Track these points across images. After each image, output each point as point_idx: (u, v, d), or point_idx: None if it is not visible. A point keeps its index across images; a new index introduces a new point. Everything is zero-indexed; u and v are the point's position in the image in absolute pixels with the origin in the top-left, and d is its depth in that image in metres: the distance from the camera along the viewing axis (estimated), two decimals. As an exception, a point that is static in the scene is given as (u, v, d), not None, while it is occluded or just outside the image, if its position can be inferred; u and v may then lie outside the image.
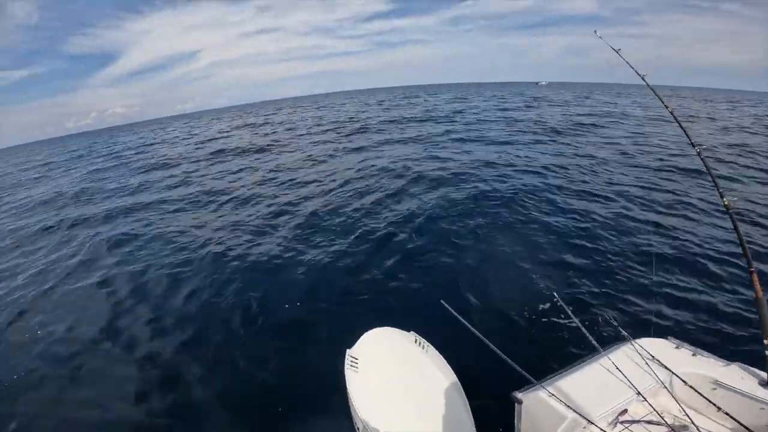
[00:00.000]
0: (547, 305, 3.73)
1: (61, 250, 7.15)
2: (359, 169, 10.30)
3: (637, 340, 2.09)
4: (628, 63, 2.73)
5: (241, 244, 6.13)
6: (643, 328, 2.52)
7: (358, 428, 2.02)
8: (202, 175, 12.02)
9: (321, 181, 9.51)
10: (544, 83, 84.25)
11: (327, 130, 19.16)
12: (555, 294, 2.79)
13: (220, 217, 7.85)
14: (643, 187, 7.79)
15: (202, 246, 6.23)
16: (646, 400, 1.77)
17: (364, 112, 28.91)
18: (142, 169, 15.03)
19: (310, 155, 13.03)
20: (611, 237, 5.50)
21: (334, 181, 9.36)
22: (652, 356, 1.97)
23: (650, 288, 4.05)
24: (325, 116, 28.42)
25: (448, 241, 5.58)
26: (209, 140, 21.33)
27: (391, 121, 20.38)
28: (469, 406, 1.93)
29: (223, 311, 4.36)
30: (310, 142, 15.93)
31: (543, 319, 3.60)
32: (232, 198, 9.02)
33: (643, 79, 2.70)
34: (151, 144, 25.14)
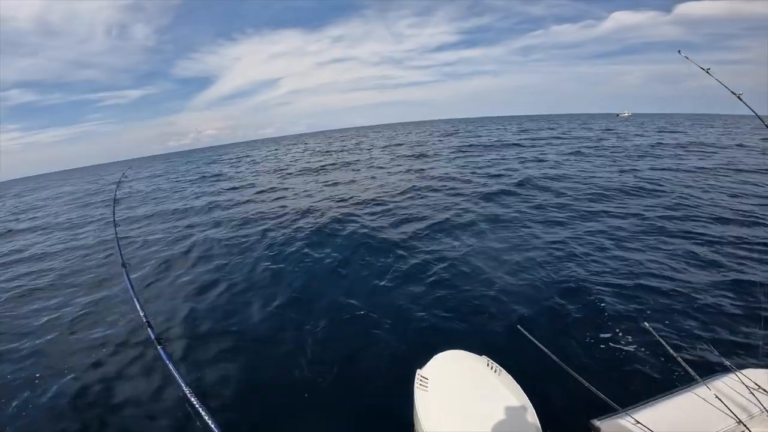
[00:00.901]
0: (636, 332, 3.45)
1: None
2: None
3: (743, 371, 1.87)
4: (719, 81, 2.61)
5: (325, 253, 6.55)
6: (749, 358, 2.22)
7: None
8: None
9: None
10: (626, 114, 77.62)
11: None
12: (646, 323, 2.60)
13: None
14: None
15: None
16: (748, 429, 1.58)
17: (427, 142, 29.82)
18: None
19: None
20: (710, 260, 4.99)
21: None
22: (758, 386, 1.76)
23: (757, 315, 3.54)
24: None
25: (523, 266, 5.46)
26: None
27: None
28: None
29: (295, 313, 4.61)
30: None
31: (629, 347, 3.31)
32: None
33: (739, 98, 2.54)
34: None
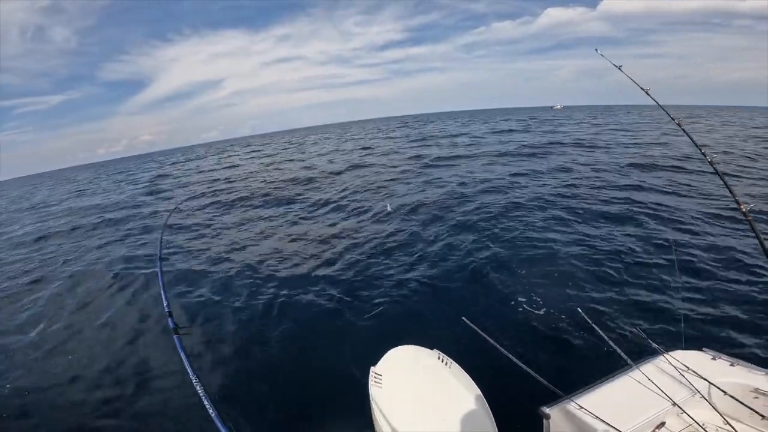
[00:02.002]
0: (570, 319, 3.67)
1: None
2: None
3: (671, 353, 2.03)
4: (630, 78, 2.83)
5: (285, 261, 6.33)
6: (674, 340, 2.44)
7: None
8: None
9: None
10: (558, 107, 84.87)
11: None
12: (579, 309, 2.75)
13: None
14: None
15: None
16: (684, 412, 1.70)
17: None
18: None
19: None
20: (631, 247, 5.49)
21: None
22: (688, 368, 1.91)
23: (677, 298, 3.96)
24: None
25: (464, 256, 5.67)
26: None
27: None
28: (494, 422, 1.90)
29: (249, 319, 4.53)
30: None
31: (566, 334, 3.52)
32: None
33: (647, 93, 2.77)
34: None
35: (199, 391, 1.37)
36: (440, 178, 11.75)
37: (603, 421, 1.64)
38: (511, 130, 27.08)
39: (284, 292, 5.09)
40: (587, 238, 5.95)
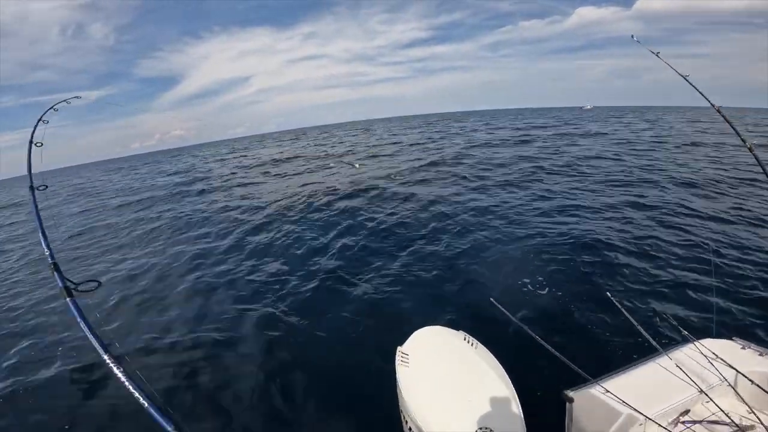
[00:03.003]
0: (601, 303, 3.62)
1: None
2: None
3: (701, 341, 2.00)
4: (668, 64, 2.74)
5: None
6: (705, 328, 2.41)
7: (406, 421, 2.02)
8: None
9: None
10: (588, 107, 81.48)
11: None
12: (608, 293, 2.73)
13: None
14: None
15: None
16: (711, 400, 1.70)
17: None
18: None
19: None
20: (665, 235, 5.37)
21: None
22: (716, 356, 1.88)
23: (711, 287, 3.85)
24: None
25: (492, 240, 5.70)
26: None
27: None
28: (519, 403, 1.91)
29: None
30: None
31: (596, 318, 3.49)
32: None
33: (685, 79, 2.68)
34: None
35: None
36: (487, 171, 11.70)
37: (627, 404, 1.64)
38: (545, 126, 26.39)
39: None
40: (620, 224, 5.88)
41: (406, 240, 6.13)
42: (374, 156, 16.69)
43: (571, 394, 1.84)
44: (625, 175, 9.64)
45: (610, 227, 5.87)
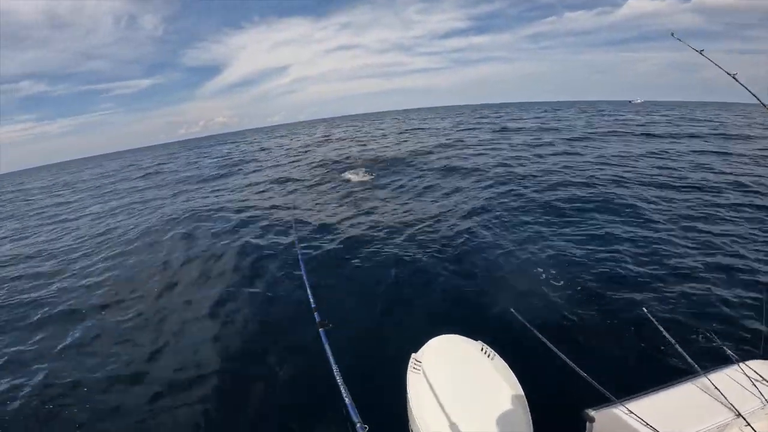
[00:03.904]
0: (635, 320, 3.40)
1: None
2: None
3: (747, 362, 1.81)
4: (713, 62, 2.52)
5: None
6: (753, 351, 2.16)
7: (410, 427, 2.00)
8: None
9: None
10: (638, 101, 77.21)
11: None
12: (644, 309, 2.55)
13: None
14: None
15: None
16: (749, 424, 1.52)
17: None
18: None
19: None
20: (714, 247, 4.95)
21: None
22: (762, 378, 1.69)
23: (760, 306, 3.51)
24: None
25: (519, 247, 5.45)
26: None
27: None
28: (530, 418, 1.84)
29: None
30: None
31: (629, 335, 3.26)
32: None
33: (733, 77, 2.46)
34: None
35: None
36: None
37: (652, 427, 1.51)
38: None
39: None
40: (664, 235, 5.46)
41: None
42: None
43: (592, 413, 1.74)
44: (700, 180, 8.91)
45: (651, 238, 5.48)
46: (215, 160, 24.87)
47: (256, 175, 15.18)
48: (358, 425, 1.56)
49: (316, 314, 1.99)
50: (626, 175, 9.32)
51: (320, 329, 1.94)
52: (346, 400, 1.39)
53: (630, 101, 78.64)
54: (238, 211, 9.19)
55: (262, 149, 27.88)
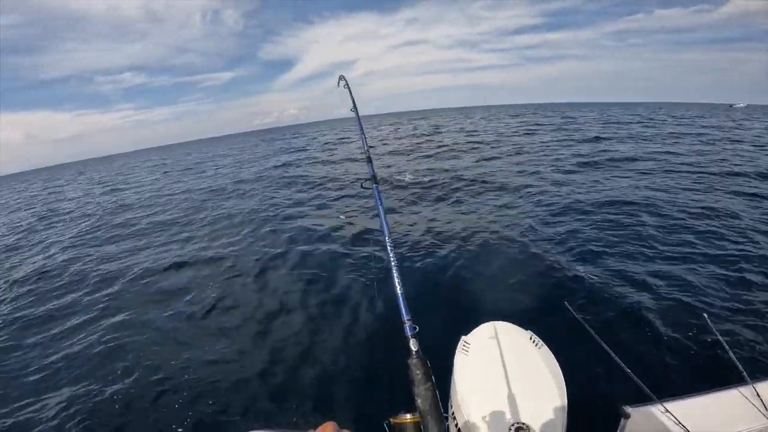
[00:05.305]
0: (692, 325, 3.30)
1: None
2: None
3: None
4: None
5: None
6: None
7: (451, 405, 2.11)
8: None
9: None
10: (741, 105, 69.88)
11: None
12: (705, 315, 2.48)
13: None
14: None
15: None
16: None
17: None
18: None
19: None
20: None
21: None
22: None
23: None
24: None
25: (583, 243, 5.38)
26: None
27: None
28: (566, 409, 1.87)
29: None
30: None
31: (681, 338, 3.18)
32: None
33: None
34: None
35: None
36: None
37: (684, 427, 1.58)
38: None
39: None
40: (732, 240, 5.13)
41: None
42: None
43: (629, 410, 1.79)
44: None
45: (712, 240, 5.13)
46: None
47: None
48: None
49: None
50: None
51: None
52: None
53: (730, 105, 72.26)
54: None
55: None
